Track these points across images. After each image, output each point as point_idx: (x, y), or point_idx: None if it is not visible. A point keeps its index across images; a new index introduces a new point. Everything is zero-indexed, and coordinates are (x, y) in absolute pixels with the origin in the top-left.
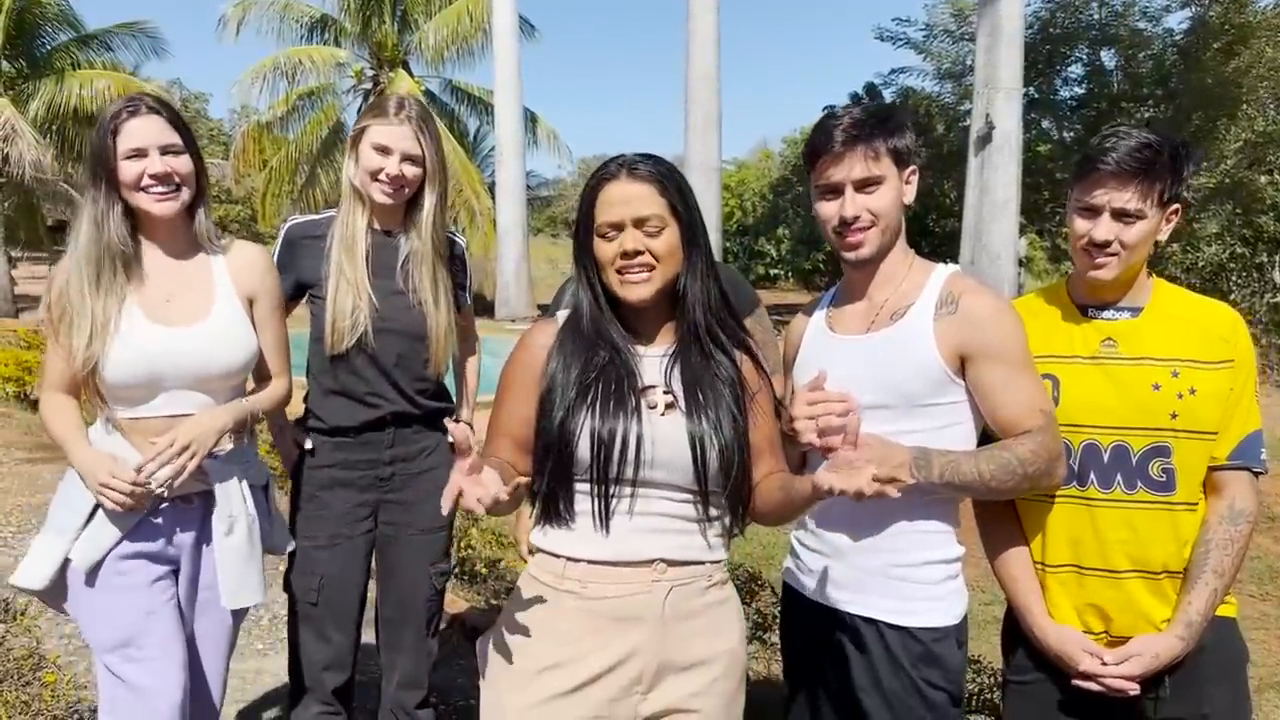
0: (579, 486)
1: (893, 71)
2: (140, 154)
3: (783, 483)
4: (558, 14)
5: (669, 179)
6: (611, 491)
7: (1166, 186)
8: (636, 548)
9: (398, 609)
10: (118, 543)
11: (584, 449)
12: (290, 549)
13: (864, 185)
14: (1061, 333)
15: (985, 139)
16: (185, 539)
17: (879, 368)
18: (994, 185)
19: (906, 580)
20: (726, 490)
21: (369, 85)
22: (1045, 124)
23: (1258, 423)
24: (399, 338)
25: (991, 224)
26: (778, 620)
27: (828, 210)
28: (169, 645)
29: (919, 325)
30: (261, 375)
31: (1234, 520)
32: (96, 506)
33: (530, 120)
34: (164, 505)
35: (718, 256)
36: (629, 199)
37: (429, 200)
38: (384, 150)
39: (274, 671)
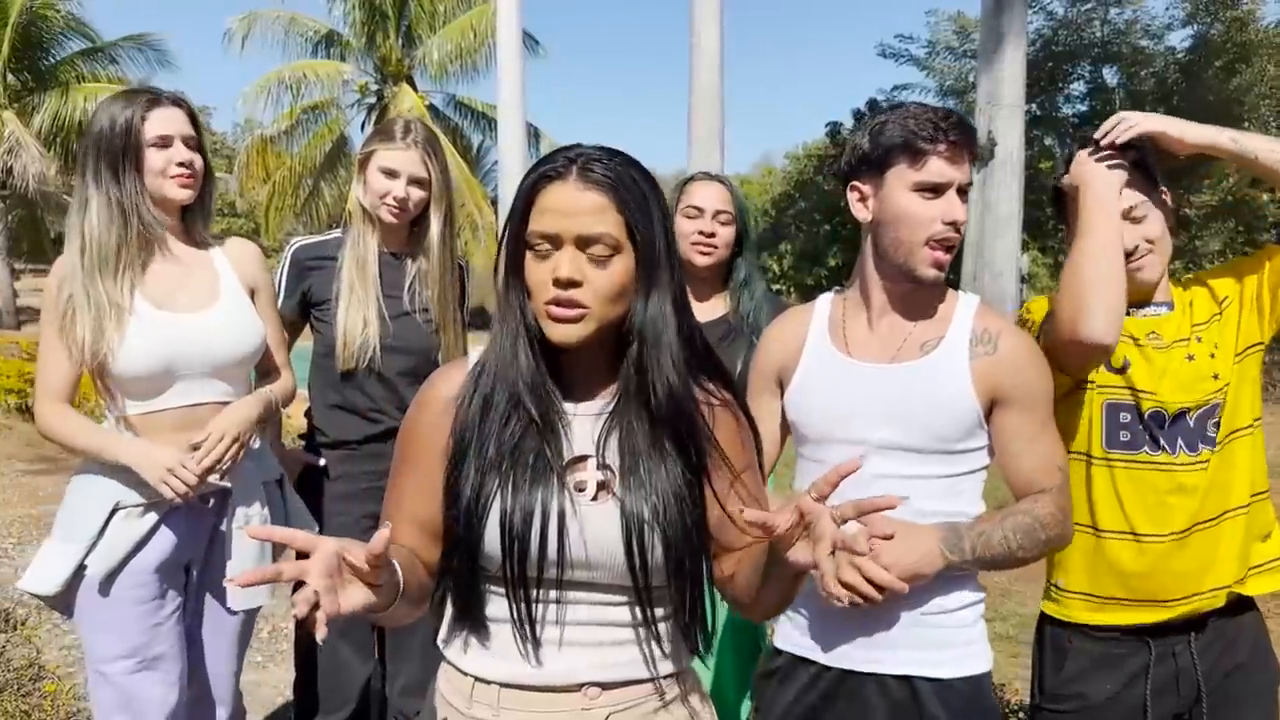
0: (492, 588)
1: (895, 88)
2: (166, 142)
3: (755, 562)
4: (561, 27)
5: (631, 188)
6: (535, 595)
7: (1153, 172)
8: (565, 668)
9: None
10: (135, 550)
11: (492, 539)
12: None
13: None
14: None
15: (988, 156)
16: (198, 542)
17: (907, 403)
18: (996, 202)
19: (941, 627)
20: (673, 589)
21: (373, 100)
22: (1048, 141)
23: None
24: (406, 355)
25: (994, 240)
26: None
27: None
28: (171, 656)
29: (954, 362)
30: (264, 370)
31: None
32: (112, 514)
33: (534, 135)
34: (178, 509)
35: None
36: (573, 209)
37: (435, 223)
38: (391, 174)
39: (273, 684)
